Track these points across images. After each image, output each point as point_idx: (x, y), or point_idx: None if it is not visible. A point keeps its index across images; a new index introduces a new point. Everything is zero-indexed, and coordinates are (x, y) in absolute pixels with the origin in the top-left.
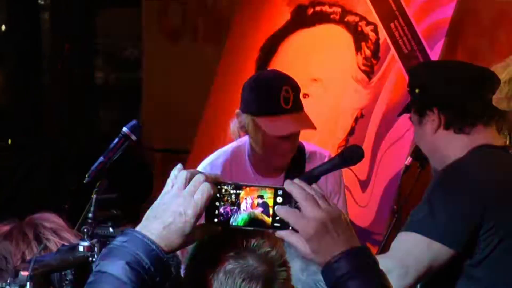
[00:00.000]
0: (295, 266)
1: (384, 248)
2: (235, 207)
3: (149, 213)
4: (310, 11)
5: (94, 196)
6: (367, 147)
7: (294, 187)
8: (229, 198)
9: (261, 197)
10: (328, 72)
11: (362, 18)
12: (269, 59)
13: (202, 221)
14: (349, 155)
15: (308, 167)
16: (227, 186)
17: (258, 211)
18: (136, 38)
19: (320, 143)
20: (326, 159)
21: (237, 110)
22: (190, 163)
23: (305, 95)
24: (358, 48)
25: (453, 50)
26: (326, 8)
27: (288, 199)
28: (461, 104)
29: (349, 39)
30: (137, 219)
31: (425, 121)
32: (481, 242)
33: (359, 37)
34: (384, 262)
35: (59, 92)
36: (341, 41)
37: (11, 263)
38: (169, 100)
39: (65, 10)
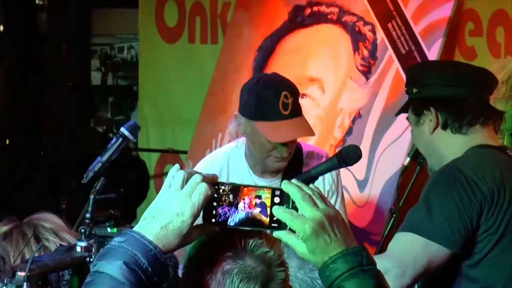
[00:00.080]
0: (293, 264)
1: (382, 248)
2: (233, 207)
3: (146, 214)
4: (308, 11)
5: (92, 196)
6: (365, 147)
7: (291, 187)
8: (226, 198)
9: (259, 197)
10: (325, 72)
11: (360, 18)
12: (267, 59)
13: (200, 221)
14: (347, 155)
15: (306, 167)
16: (225, 186)
17: (256, 211)
18: (132, 38)
19: (317, 143)
20: (324, 159)
21: (236, 113)
22: (187, 163)
23: (303, 95)
24: (355, 48)
25: (450, 50)
26: (323, 8)
27: (286, 199)
28: (459, 104)
29: (346, 39)
30: (134, 219)
31: (422, 121)
32: (479, 243)
33: (356, 37)
34: (382, 262)
35: (57, 92)
36: (338, 41)
37: (9, 263)
38: (166, 100)
39: (62, 10)
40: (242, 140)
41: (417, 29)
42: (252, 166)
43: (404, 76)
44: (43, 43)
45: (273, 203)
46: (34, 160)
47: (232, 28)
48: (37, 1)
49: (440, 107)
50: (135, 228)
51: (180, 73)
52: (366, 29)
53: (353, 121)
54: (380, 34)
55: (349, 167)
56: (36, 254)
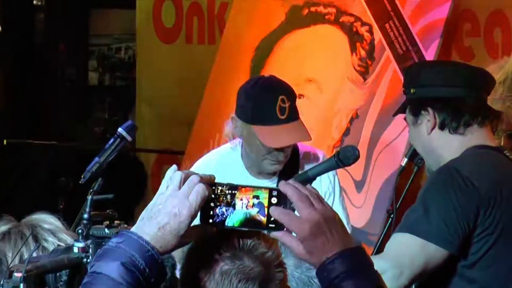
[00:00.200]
0: (290, 263)
1: (379, 248)
2: (230, 208)
3: (144, 214)
4: (305, 11)
5: (89, 197)
6: (362, 147)
7: (288, 187)
8: (224, 198)
9: (257, 197)
10: (323, 72)
11: (357, 18)
12: (264, 60)
13: (197, 222)
14: (345, 155)
15: (302, 167)
16: (222, 187)
17: (253, 211)
18: (130, 39)
19: (315, 144)
20: (321, 160)
21: (232, 115)
22: (184, 164)
23: (300, 96)
24: (353, 49)
25: (448, 51)
26: (321, 9)
27: (283, 200)
28: (456, 104)
29: (344, 39)
30: (131, 220)
31: (420, 121)
32: (475, 243)
33: (354, 37)
34: (379, 262)
35: (54, 92)
36: (336, 41)
37: (6, 264)
38: (163, 100)
39: (60, 11)
40: (238, 141)
41: (414, 30)
42: (248, 167)
43: (401, 76)
44: (41, 43)
45: (270, 204)
46: (31, 161)
47: (229, 28)
48: (35, 2)
49: (438, 107)
50: (133, 229)
51: (177, 73)
52: (363, 30)
53: (351, 122)
54: (378, 35)
55: (346, 168)
56: (34, 254)
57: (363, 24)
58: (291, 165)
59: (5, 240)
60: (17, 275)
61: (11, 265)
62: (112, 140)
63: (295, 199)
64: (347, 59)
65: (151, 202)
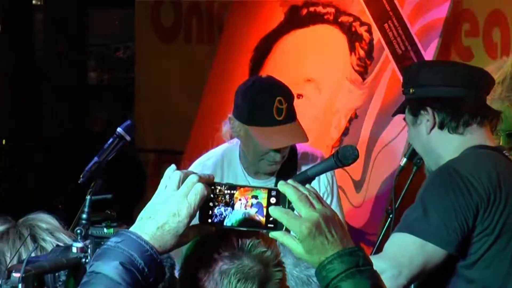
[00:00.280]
0: (288, 262)
1: (378, 248)
2: (229, 208)
3: (142, 214)
4: (304, 11)
5: (88, 197)
6: (361, 147)
7: (287, 187)
8: (223, 198)
9: (256, 197)
10: (322, 72)
11: (356, 18)
12: (263, 60)
13: (196, 221)
14: (344, 155)
15: (300, 167)
16: (221, 187)
17: (252, 211)
18: (129, 38)
19: (314, 144)
20: (319, 160)
21: (230, 115)
22: (183, 163)
23: (299, 96)
24: (352, 49)
25: (447, 51)
26: (320, 9)
27: (282, 200)
28: (456, 104)
29: (343, 39)
30: (130, 220)
31: (419, 121)
32: (474, 243)
33: (353, 37)
34: (378, 262)
35: (53, 92)
36: (335, 41)
37: (4, 264)
38: (162, 100)
39: (59, 11)
40: (236, 141)
41: (413, 30)
42: (246, 167)
43: (400, 76)
44: (40, 43)
45: (269, 204)
46: (30, 160)
47: (228, 28)
48: (34, 2)
49: (437, 107)
50: (132, 229)
51: (176, 73)
52: (362, 30)
53: (350, 122)
54: (377, 35)
55: (345, 168)
56: (33, 254)
57: (362, 24)
58: (289, 165)
59: (3, 240)
60: (16, 275)
61: (9, 265)
62: (111, 140)
63: (294, 199)
64: (346, 59)
65: (150, 202)
